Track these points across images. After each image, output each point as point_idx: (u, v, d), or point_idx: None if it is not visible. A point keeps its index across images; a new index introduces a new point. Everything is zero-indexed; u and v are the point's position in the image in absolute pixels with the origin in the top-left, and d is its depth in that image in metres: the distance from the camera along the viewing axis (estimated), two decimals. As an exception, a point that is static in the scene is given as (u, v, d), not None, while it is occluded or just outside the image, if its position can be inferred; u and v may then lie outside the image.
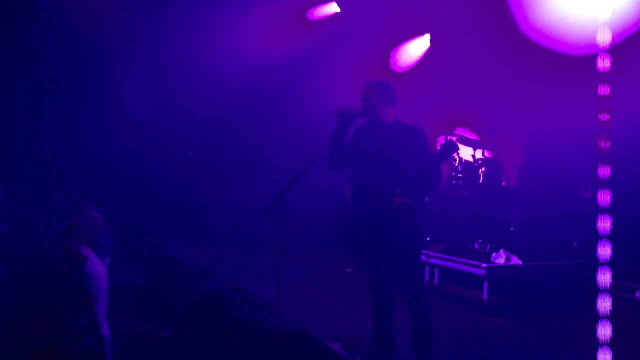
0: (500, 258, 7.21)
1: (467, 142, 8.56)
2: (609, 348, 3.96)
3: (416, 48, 11.07)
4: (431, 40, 10.85)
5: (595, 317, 4.21)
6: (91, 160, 9.83)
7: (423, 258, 7.60)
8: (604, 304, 4.11)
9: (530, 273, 7.29)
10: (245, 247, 9.91)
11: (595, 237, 7.73)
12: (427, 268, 7.77)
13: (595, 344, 5.92)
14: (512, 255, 7.25)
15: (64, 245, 4.83)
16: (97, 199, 7.70)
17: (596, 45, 4.40)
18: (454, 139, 8.52)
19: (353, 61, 10.42)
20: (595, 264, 7.37)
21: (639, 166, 7.33)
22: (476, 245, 7.65)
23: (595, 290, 6.96)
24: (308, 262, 9.46)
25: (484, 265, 7.02)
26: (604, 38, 4.37)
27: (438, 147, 4.75)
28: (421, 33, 10.94)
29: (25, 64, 9.76)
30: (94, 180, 9.69)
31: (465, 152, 8.79)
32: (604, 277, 4.17)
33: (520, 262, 7.25)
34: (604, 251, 4.23)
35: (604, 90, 4.43)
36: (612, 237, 6.29)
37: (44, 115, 9.87)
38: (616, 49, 4.47)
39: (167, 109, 10.41)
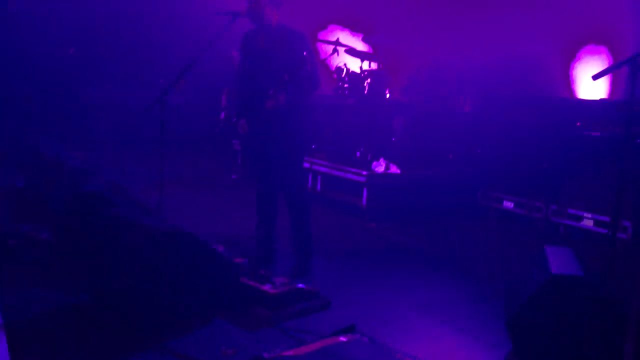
0: (380, 167, 7.49)
1: (354, 54, 8.65)
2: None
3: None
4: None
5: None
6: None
7: (307, 165, 7.76)
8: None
9: (407, 181, 7.63)
10: (127, 149, 9.71)
11: (470, 149, 8.21)
12: (310, 175, 7.95)
13: (461, 246, 6.41)
14: (391, 164, 7.54)
15: None
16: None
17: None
18: (343, 49, 8.66)
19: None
20: (468, 174, 7.87)
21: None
22: (358, 154, 7.89)
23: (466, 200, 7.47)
24: (192, 167, 9.42)
25: (364, 173, 7.28)
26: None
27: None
28: None
29: None
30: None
31: (353, 64, 8.90)
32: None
33: (398, 171, 7.57)
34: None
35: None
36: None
37: None
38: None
39: (48, 5, 9.78)
